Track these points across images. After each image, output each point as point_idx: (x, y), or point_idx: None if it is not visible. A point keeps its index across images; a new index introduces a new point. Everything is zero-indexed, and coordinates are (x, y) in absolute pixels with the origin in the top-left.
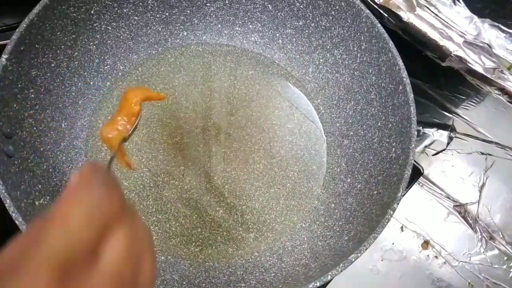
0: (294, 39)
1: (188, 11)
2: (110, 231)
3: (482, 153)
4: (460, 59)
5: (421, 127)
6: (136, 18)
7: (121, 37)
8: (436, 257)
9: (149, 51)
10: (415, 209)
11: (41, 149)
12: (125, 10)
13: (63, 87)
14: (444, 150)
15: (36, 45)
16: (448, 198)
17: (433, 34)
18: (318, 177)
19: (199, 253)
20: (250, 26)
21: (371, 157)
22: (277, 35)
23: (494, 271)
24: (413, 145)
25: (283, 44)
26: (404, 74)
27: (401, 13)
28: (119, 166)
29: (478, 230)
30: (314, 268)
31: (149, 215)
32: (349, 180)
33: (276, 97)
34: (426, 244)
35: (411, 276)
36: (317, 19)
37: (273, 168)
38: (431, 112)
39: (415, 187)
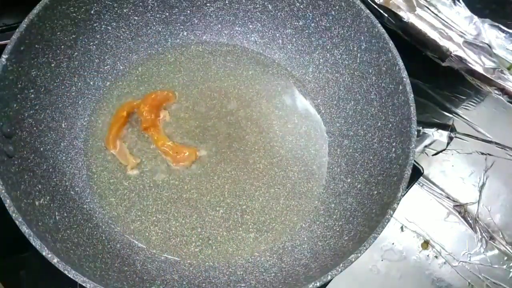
0: (294, 39)
1: (188, 11)
2: None
3: (482, 153)
4: (460, 59)
5: (421, 127)
6: (136, 18)
7: (121, 37)
8: (436, 257)
9: (149, 51)
10: (415, 209)
11: (41, 149)
12: (125, 10)
13: (63, 87)
14: (444, 150)
15: (36, 45)
16: (448, 198)
17: (433, 34)
18: (318, 177)
19: (199, 253)
20: (250, 26)
21: (371, 157)
22: (277, 35)
23: (494, 271)
24: (413, 145)
25: (283, 44)
26: (404, 74)
27: (401, 13)
28: (119, 166)
29: (478, 230)
30: (314, 268)
31: (149, 215)
32: (349, 180)
33: (276, 97)
34: (426, 244)
35: (411, 276)
36: (317, 19)
37: (273, 168)
38: (431, 112)
39: (415, 187)
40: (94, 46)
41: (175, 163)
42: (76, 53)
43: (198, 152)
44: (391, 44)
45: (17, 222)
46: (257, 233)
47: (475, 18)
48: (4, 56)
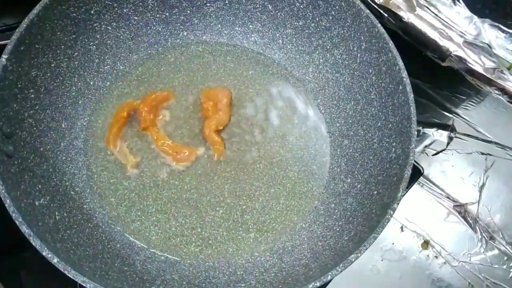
0: (294, 39)
1: (188, 11)
2: None
3: (482, 153)
4: (460, 59)
5: (421, 127)
6: (136, 18)
7: (121, 37)
8: (436, 257)
9: (149, 51)
10: (415, 209)
11: (41, 149)
12: (125, 10)
13: (63, 87)
14: (444, 150)
15: (36, 45)
16: (448, 198)
17: (433, 34)
18: (318, 177)
19: (199, 253)
20: (250, 26)
21: (371, 157)
22: (277, 35)
23: (494, 271)
24: (413, 145)
25: (283, 44)
26: (404, 74)
27: (401, 13)
28: (119, 166)
29: (478, 230)
30: (314, 268)
31: (149, 215)
32: (349, 180)
33: (276, 97)
34: (426, 244)
35: (411, 276)
36: (317, 19)
37: (273, 168)
38: (431, 112)
39: (415, 187)
40: (94, 46)
41: (176, 163)
42: (76, 53)
43: (198, 152)
44: (391, 44)
45: (17, 222)
46: (257, 233)
47: (475, 18)
48: (4, 56)
